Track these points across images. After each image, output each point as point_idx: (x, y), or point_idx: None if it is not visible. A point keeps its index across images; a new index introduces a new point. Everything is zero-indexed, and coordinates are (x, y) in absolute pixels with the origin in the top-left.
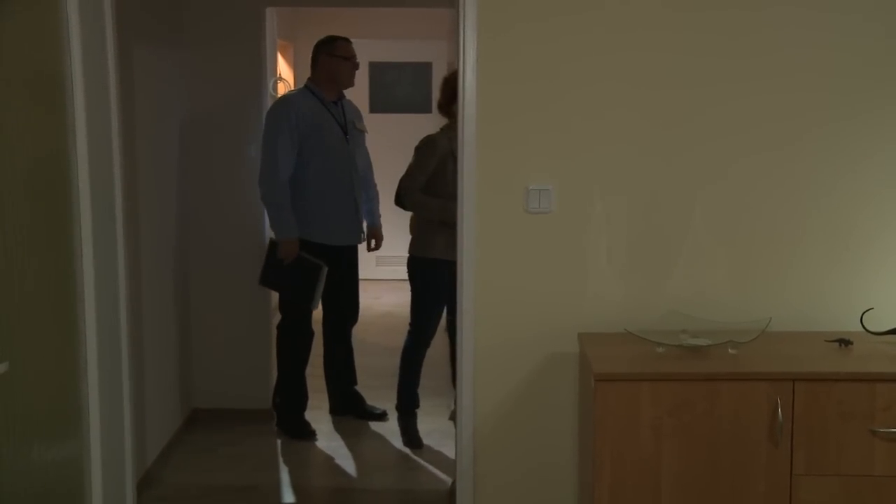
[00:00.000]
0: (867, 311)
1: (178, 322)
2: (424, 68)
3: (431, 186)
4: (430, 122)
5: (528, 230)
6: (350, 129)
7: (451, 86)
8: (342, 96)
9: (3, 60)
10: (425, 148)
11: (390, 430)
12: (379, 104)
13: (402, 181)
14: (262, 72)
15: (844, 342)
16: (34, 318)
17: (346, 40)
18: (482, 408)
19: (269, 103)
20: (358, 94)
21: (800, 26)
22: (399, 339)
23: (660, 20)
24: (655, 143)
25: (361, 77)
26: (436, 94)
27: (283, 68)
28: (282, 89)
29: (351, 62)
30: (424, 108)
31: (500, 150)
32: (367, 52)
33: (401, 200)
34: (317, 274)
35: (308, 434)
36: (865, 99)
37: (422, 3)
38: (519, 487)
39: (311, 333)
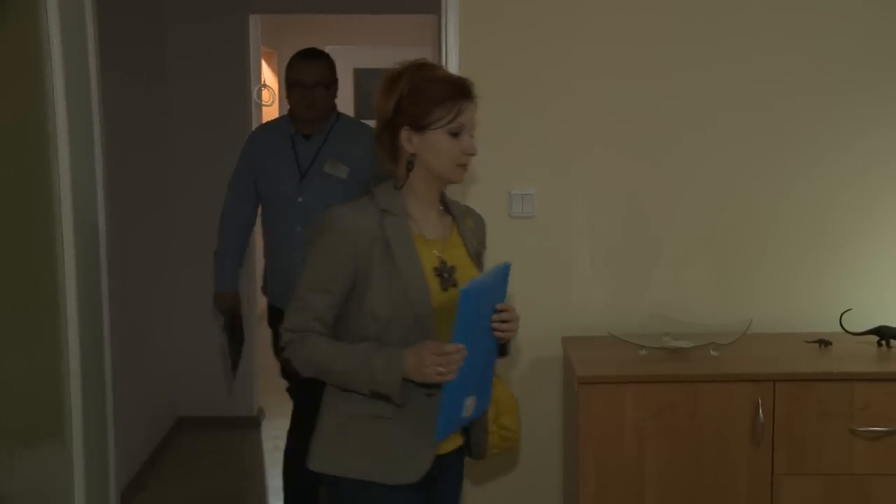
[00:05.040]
0: (846, 311)
1: (162, 329)
2: None
3: None
4: None
5: (512, 235)
6: (315, 172)
7: None
8: (317, 128)
9: None
10: None
11: None
12: (365, 110)
13: None
14: (246, 79)
15: (824, 343)
16: (14, 325)
17: (311, 55)
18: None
19: (253, 111)
20: (344, 100)
21: (775, 28)
22: None
23: (638, 26)
24: (636, 149)
25: (347, 84)
26: None
27: (268, 76)
28: (266, 97)
29: (303, 87)
30: None
31: (483, 154)
32: (353, 58)
33: None
34: (236, 344)
35: None
36: (838, 103)
37: (405, 10)
38: (503, 493)
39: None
